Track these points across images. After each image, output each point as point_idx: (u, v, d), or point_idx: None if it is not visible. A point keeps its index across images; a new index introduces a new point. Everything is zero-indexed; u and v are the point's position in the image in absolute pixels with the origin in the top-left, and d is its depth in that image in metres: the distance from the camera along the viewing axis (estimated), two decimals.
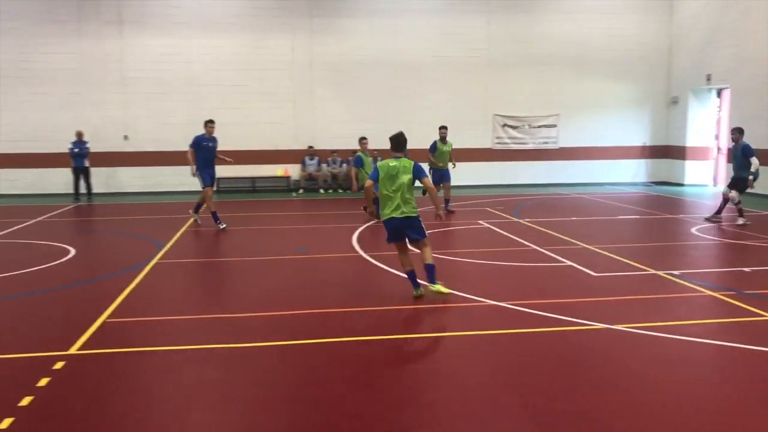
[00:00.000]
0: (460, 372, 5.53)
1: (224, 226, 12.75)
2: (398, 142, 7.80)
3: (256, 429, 4.48)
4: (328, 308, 7.40)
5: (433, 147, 15.26)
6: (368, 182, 7.75)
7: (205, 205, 13.35)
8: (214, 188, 13.71)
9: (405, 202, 7.52)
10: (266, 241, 12.06)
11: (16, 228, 13.55)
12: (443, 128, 15.30)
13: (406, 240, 7.73)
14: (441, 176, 15.21)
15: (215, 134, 13.22)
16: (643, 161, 23.28)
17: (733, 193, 13.25)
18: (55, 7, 19.94)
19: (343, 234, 12.38)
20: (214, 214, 12.95)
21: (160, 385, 5.22)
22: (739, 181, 13.24)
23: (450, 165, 15.38)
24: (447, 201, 15.17)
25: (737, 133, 13.58)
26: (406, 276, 7.77)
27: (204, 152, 12.94)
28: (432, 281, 7.53)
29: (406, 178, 7.53)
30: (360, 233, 12.50)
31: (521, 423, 4.51)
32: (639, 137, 23.18)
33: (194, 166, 12.84)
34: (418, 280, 7.68)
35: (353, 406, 4.79)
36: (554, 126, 22.55)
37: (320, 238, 12.55)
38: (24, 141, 19.78)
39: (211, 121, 13.17)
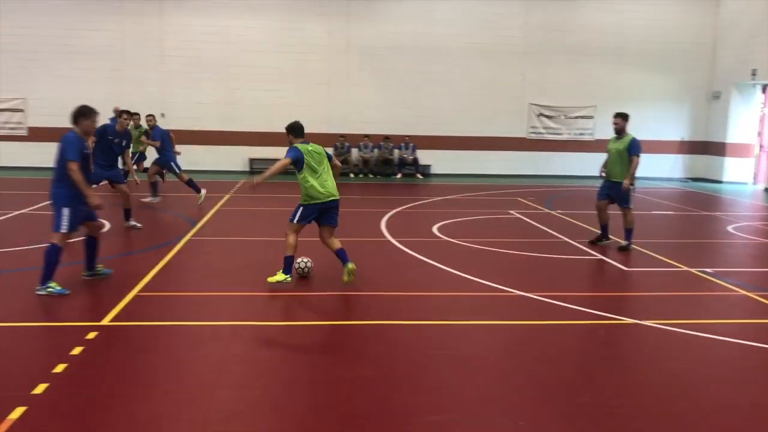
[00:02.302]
0: (484, 360, 5.53)
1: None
2: (303, 129, 7.69)
3: (280, 406, 4.55)
4: (356, 291, 7.45)
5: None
6: (285, 160, 7.21)
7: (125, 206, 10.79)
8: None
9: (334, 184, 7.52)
10: None
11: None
12: (616, 116, 10.32)
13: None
14: (607, 191, 10.13)
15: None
16: (680, 156, 22.85)
17: None
18: None
19: (373, 218, 12.41)
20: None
21: (188, 360, 5.32)
22: None
23: (624, 179, 9.83)
24: (628, 231, 9.96)
25: None
26: (287, 261, 7.33)
27: (102, 146, 10.29)
28: (347, 260, 7.46)
29: (326, 159, 7.53)
30: (389, 219, 12.51)
31: (541, 412, 4.51)
32: (677, 132, 22.74)
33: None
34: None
35: (377, 388, 4.84)
36: (591, 117, 22.25)
37: (350, 221, 12.59)
38: (63, 116, 20.10)
39: (126, 112, 10.60)
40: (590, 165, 21.91)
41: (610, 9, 21.84)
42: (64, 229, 6.89)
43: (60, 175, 6.94)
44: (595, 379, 5.16)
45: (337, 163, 7.75)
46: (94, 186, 9.89)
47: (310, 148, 7.46)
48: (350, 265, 7.39)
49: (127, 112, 10.63)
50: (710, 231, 12.64)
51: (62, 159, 6.91)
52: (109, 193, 11.76)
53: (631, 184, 9.92)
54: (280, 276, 7.23)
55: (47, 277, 6.82)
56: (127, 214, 10.78)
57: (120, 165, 11.19)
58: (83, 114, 7.21)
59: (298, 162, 7.28)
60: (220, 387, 4.80)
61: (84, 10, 20.27)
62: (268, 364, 5.32)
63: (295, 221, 7.41)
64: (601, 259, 9.38)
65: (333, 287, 7.56)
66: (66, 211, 6.91)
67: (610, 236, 10.32)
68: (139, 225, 10.81)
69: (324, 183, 7.38)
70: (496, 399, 4.75)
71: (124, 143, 10.58)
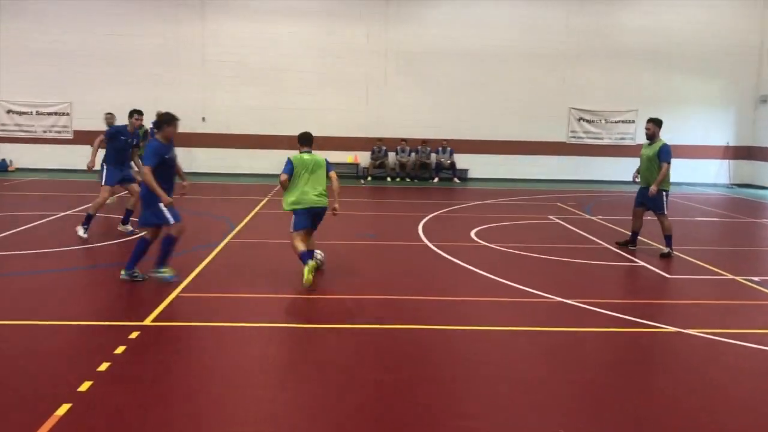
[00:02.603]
0: (522, 366, 5.47)
1: (85, 236, 10.00)
2: (310, 139, 8.17)
3: (317, 408, 4.57)
4: (393, 295, 7.45)
5: None
6: (283, 176, 7.82)
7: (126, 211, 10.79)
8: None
9: (322, 192, 7.94)
10: (334, 226, 12.19)
11: None
12: (648, 122, 10.08)
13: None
14: (642, 198, 10.17)
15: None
16: (725, 162, 22.35)
17: None
18: None
19: (410, 222, 12.40)
20: (89, 216, 10.16)
21: (226, 360, 5.39)
22: None
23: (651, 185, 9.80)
24: (667, 238, 9.83)
25: None
26: (301, 256, 7.66)
27: (117, 146, 10.29)
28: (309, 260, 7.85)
29: (321, 170, 7.98)
30: (426, 223, 12.49)
31: (582, 420, 4.45)
32: (722, 137, 22.26)
33: (93, 158, 10.37)
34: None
35: (412, 392, 4.83)
36: (632, 122, 21.90)
37: (387, 225, 12.62)
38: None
39: (138, 112, 10.49)
40: (631, 170, 21.53)
41: (653, 12, 21.49)
42: (172, 220, 7.45)
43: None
44: (637, 388, 5.06)
45: (333, 175, 8.10)
46: (108, 186, 10.28)
47: (306, 158, 7.97)
48: (311, 263, 7.62)
49: (138, 112, 10.66)
50: (756, 238, 12.32)
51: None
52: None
53: (665, 191, 9.84)
54: (305, 270, 7.48)
55: (161, 262, 7.49)
56: (128, 217, 10.74)
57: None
58: (167, 121, 7.57)
59: (290, 173, 7.90)
60: (258, 388, 4.85)
61: (128, 15, 20.77)
62: (304, 366, 5.35)
63: (293, 230, 7.92)
64: (643, 266, 9.21)
65: (370, 291, 7.58)
66: (162, 206, 7.40)
67: (650, 243, 10.14)
68: (130, 229, 10.61)
69: (307, 190, 7.83)
70: (534, 406, 4.69)
71: (134, 143, 10.64)
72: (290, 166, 7.88)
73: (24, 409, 4.35)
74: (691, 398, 4.88)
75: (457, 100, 21.61)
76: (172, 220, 7.42)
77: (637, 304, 7.48)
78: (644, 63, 21.70)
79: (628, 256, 9.78)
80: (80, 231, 10.02)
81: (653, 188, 9.73)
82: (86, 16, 20.64)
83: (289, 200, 7.89)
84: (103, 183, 10.33)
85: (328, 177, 8.05)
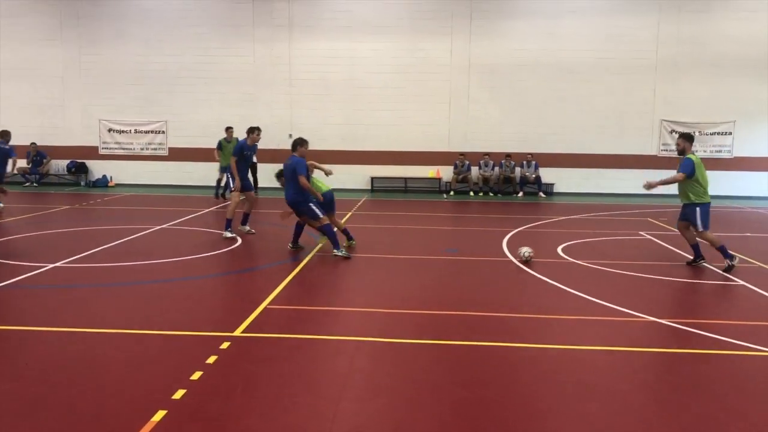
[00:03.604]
0: (612, 388, 5.27)
1: (232, 235, 11.73)
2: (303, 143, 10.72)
3: (403, 422, 4.56)
4: (475, 311, 7.37)
5: None
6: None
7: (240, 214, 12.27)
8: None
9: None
10: (417, 241, 12.22)
11: (190, 217, 14.78)
12: (679, 137, 10.12)
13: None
14: (682, 212, 10.13)
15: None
16: None
17: None
18: (233, 12, 21.54)
19: (494, 237, 12.25)
20: (228, 220, 11.81)
21: (313, 372, 5.47)
22: None
23: (686, 200, 9.90)
24: (720, 250, 9.64)
25: None
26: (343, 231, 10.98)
27: (241, 159, 11.89)
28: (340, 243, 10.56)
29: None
30: (510, 238, 12.30)
31: None
32: None
33: (238, 181, 11.82)
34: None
35: (498, 411, 4.74)
36: (729, 134, 20.88)
37: (470, 240, 12.51)
38: (200, 137, 21.47)
39: (258, 129, 12.22)
40: (728, 184, 20.59)
41: (752, 18, 20.49)
42: (321, 214, 10.27)
43: (297, 188, 10.18)
44: (738, 415, 4.78)
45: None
46: (237, 192, 11.90)
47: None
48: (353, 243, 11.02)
49: (258, 129, 12.23)
50: None
51: (295, 176, 10.12)
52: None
53: (700, 205, 9.70)
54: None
55: (336, 244, 10.22)
56: (246, 219, 12.27)
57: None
58: (300, 143, 10.64)
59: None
60: (344, 400, 4.89)
61: (221, 37, 21.65)
62: (390, 380, 5.35)
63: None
64: (742, 285, 8.73)
65: (454, 306, 7.53)
66: (312, 205, 10.21)
67: (752, 261, 9.62)
68: (253, 231, 12.27)
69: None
70: (623, 427, 4.51)
71: (251, 155, 12.27)
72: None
73: (123, 414, 4.56)
74: None
75: (541, 113, 21.28)
76: (321, 214, 10.20)
77: (737, 325, 7.08)
78: (742, 72, 20.67)
79: (727, 275, 9.30)
80: (227, 234, 11.67)
81: (652, 181, 9.98)
82: (182, 39, 21.67)
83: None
84: (231, 190, 12.10)
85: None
